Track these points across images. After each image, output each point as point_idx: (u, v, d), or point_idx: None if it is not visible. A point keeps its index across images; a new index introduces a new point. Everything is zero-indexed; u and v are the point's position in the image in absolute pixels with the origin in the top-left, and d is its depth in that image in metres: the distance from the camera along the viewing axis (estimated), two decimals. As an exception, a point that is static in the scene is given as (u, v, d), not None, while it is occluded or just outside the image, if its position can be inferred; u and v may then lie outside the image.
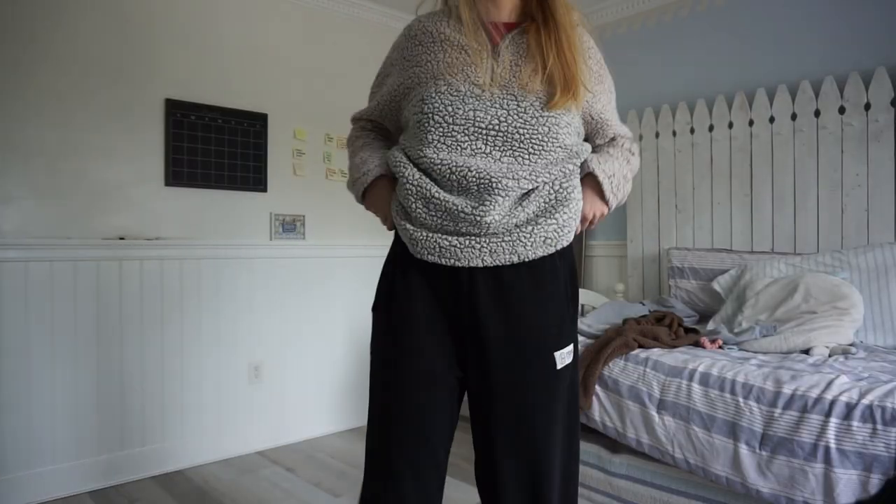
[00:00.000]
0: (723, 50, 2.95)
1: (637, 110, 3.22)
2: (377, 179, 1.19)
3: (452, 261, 1.06)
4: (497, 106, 1.06)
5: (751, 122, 2.80)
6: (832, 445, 1.62)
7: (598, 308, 2.80)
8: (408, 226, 1.10)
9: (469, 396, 1.17)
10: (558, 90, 1.06)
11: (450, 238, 1.06)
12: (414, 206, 1.08)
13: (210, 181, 2.85)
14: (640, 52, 3.27)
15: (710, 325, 2.54)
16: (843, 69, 2.55)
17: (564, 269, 1.14)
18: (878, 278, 2.29)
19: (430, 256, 1.07)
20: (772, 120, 2.73)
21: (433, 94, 1.07)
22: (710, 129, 2.92)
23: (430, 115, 1.06)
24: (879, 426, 1.57)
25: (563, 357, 1.12)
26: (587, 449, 2.31)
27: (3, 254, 2.32)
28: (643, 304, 2.82)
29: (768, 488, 1.73)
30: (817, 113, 2.60)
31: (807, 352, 2.13)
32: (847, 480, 1.59)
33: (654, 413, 2.00)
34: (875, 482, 1.56)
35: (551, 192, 1.09)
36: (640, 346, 2.20)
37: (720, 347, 2.25)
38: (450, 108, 1.05)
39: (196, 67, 2.82)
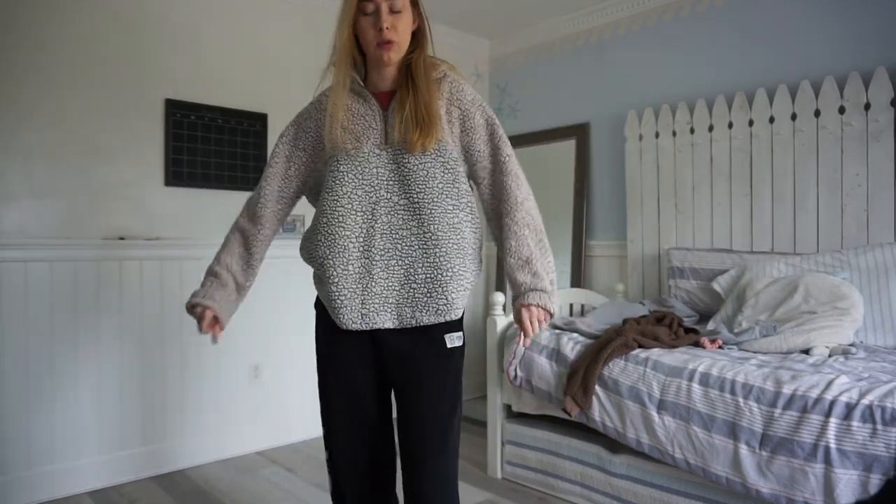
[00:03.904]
0: (723, 50, 2.95)
1: (637, 110, 3.22)
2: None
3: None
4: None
5: (751, 122, 2.80)
6: (832, 445, 1.62)
7: (598, 308, 2.80)
8: None
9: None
10: (410, 131, 1.30)
11: None
12: None
13: (210, 181, 2.85)
14: (640, 52, 3.27)
15: (710, 325, 2.54)
16: (843, 69, 2.55)
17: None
18: (878, 278, 2.29)
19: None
20: (772, 120, 2.73)
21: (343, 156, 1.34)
22: (710, 129, 2.92)
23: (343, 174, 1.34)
24: (879, 426, 1.57)
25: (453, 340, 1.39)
26: (587, 449, 2.31)
27: (3, 254, 2.32)
28: (643, 304, 2.82)
29: (768, 488, 1.73)
30: (817, 113, 2.59)
31: (807, 352, 2.13)
32: (847, 480, 1.59)
33: (654, 413, 2.00)
34: (875, 482, 1.56)
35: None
36: (640, 346, 2.20)
37: (720, 347, 2.25)
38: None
39: (196, 67, 2.82)
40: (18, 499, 2.34)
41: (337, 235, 1.33)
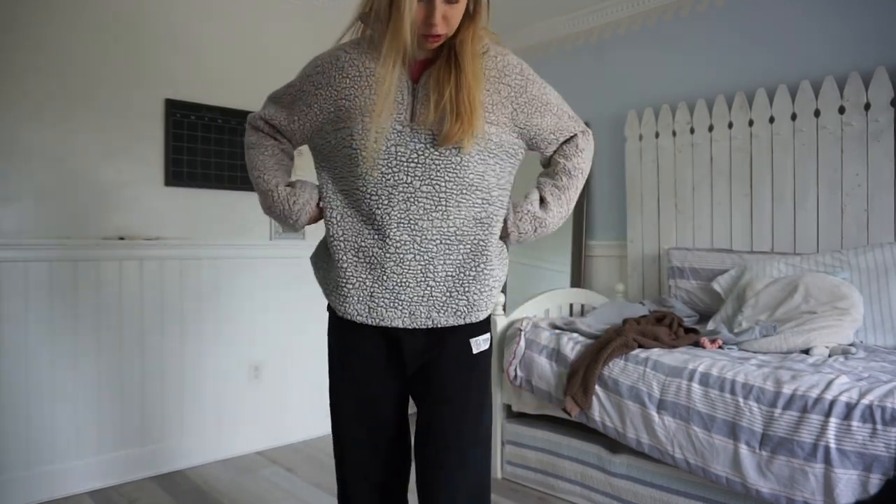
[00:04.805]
0: (723, 50, 2.95)
1: (637, 110, 3.21)
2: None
3: None
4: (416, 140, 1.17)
5: (751, 122, 2.80)
6: (832, 445, 1.62)
7: (598, 308, 2.80)
8: None
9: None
10: (448, 122, 1.13)
11: None
12: None
13: (210, 181, 2.85)
14: (640, 52, 3.27)
15: (710, 325, 2.54)
16: (843, 69, 2.55)
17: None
18: (878, 278, 2.29)
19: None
20: (772, 120, 2.73)
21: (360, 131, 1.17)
22: (710, 129, 2.92)
23: (359, 150, 1.17)
24: (879, 426, 1.57)
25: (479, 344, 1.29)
26: (587, 449, 2.31)
27: (3, 254, 2.32)
28: (643, 304, 2.82)
29: (768, 488, 1.73)
30: (817, 113, 2.59)
31: (807, 352, 2.13)
32: (847, 480, 1.59)
33: (654, 413, 2.00)
34: (875, 482, 1.56)
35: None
36: (640, 346, 2.20)
37: (720, 347, 2.25)
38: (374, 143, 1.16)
39: (196, 67, 2.82)
40: (18, 499, 2.34)
41: (350, 219, 1.21)
